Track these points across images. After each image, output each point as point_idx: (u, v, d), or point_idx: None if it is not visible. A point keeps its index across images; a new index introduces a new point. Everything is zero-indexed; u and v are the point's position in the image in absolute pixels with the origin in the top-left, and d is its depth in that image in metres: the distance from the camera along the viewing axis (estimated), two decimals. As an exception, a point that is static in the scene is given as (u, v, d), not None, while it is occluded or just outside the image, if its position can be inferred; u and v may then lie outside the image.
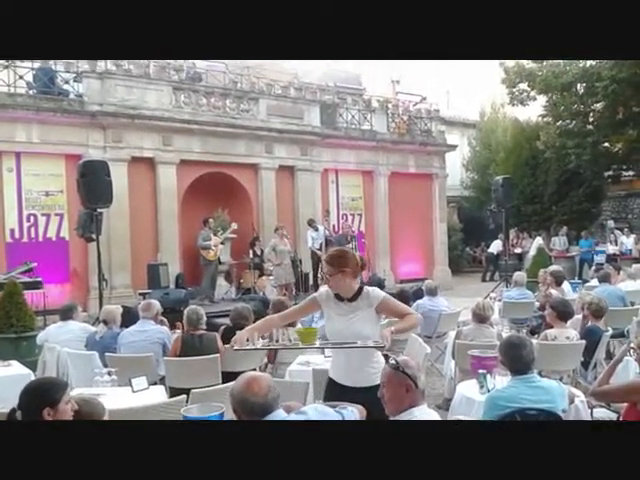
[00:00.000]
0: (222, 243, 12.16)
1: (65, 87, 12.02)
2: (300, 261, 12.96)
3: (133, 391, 4.26)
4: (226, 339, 5.56)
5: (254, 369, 5.35)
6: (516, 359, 3.48)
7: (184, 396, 3.82)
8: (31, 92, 11.64)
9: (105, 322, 5.87)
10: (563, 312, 5.43)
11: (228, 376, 4.54)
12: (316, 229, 13.17)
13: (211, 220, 12.10)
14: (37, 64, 11.50)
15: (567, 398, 3.55)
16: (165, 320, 6.10)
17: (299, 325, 4.90)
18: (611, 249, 16.59)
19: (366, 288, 3.51)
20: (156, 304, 5.91)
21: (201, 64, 14.32)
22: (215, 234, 11.97)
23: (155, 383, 4.90)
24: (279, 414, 2.46)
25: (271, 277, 11.97)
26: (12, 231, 11.12)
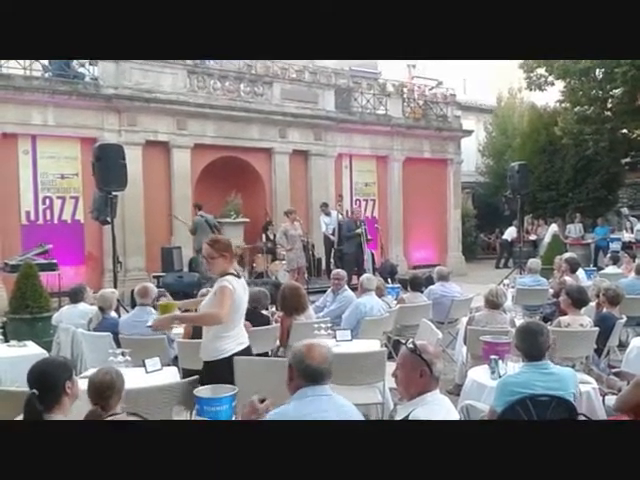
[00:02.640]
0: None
1: (80, 70, 12.05)
2: (313, 245, 12.96)
3: (147, 372, 4.31)
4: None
5: (266, 352, 5.39)
6: (533, 346, 3.46)
7: (197, 377, 3.85)
8: (47, 75, 11.69)
9: (101, 309, 5.82)
10: (578, 299, 5.38)
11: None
12: (328, 214, 13.16)
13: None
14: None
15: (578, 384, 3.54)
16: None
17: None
18: (627, 237, 16.42)
19: (228, 275, 3.82)
20: (153, 288, 5.86)
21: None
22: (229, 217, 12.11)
23: (168, 365, 4.94)
24: (324, 389, 2.59)
25: (284, 261, 12.00)
26: (28, 213, 11.23)
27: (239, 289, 3.83)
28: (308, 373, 2.58)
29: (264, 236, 12.85)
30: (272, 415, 2.56)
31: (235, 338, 3.91)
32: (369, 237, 12.12)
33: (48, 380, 2.72)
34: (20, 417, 2.65)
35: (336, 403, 2.61)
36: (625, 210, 19.78)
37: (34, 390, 2.65)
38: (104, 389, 2.93)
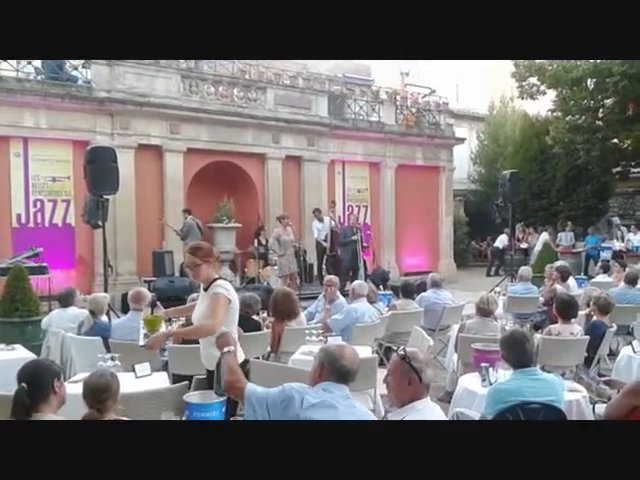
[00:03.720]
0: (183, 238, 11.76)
1: (73, 73, 12.00)
2: (305, 251, 12.95)
3: (136, 377, 4.28)
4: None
5: (257, 357, 5.37)
6: (520, 354, 3.47)
7: (186, 382, 3.83)
8: (39, 77, 11.64)
9: (92, 313, 5.78)
10: (567, 314, 5.40)
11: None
12: (321, 220, 13.16)
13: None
14: (46, 49, 11.48)
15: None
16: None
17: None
18: (617, 245, 16.50)
19: (218, 280, 3.72)
20: (147, 293, 5.78)
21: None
22: (221, 222, 12.07)
23: (158, 370, 4.91)
24: (347, 390, 2.69)
25: (276, 267, 11.99)
26: (19, 216, 11.16)
27: (233, 292, 3.77)
28: (341, 372, 2.68)
29: (256, 241, 12.83)
30: (290, 384, 2.62)
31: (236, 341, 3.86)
32: (365, 244, 12.14)
33: (37, 377, 2.74)
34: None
35: (352, 404, 2.65)
36: (616, 219, 19.90)
37: (23, 384, 2.66)
38: (100, 392, 2.90)
